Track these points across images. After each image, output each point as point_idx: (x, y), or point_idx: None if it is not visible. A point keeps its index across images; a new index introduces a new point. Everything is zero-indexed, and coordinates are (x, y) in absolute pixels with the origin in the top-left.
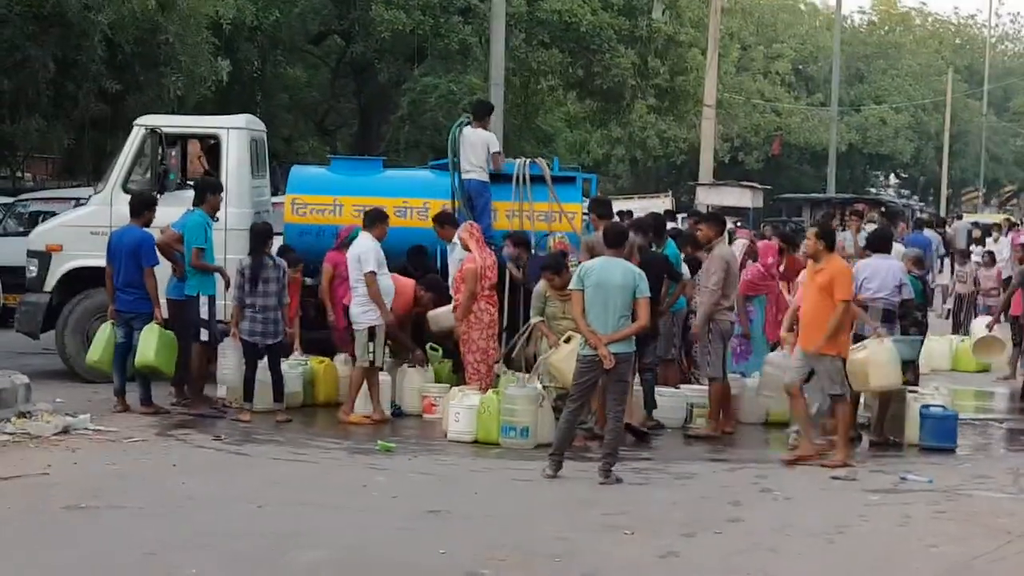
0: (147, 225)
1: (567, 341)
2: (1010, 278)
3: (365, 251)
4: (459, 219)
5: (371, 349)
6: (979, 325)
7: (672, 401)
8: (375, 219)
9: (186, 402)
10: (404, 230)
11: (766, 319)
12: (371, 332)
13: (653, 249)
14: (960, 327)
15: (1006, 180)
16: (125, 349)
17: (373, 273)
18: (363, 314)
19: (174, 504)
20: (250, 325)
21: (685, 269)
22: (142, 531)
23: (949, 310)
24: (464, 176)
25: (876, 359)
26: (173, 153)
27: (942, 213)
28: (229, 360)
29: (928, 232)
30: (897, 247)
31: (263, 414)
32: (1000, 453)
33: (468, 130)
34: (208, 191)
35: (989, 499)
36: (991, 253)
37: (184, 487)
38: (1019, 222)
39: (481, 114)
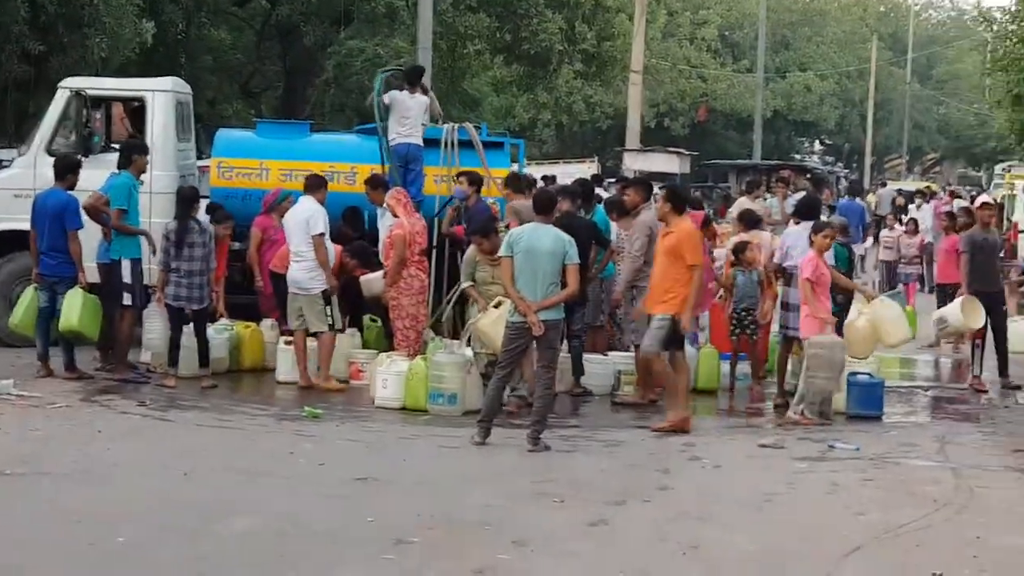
0: (71, 188)
1: (496, 307)
2: (930, 244)
3: (313, 214)
4: (390, 183)
5: (328, 313)
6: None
7: (600, 368)
8: (318, 184)
9: (110, 367)
10: (332, 195)
11: None
12: (325, 296)
13: (582, 215)
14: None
15: (929, 148)
16: (48, 314)
17: (323, 235)
18: (312, 279)
19: (100, 471)
20: (175, 290)
21: (614, 234)
22: (68, 498)
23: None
24: (404, 140)
25: (884, 316)
26: (98, 116)
27: (866, 180)
28: (154, 325)
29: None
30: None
31: (188, 380)
32: (926, 421)
33: (404, 95)
34: (134, 153)
35: (916, 467)
36: (914, 221)
37: (109, 453)
38: (941, 190)
39: (416, 79)
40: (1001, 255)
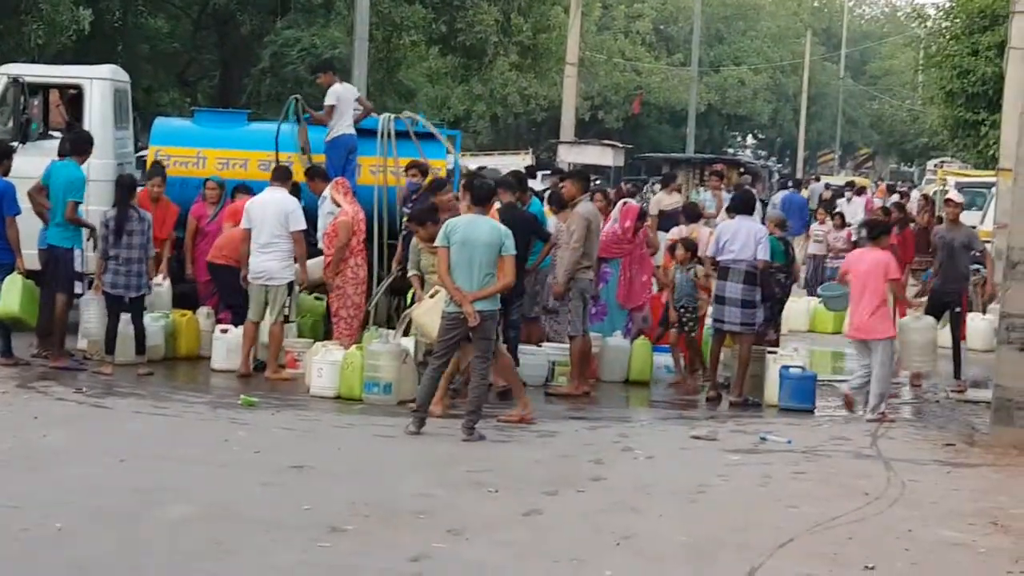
0: (6, 174)
1: (432, 296)
2: (863, 239)
3: (295, 210)
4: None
5: (288, 304)
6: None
7: (534, 359)
8: (287, 175)
9: (47, 354)
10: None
11: (620, 282)
12: (291, 287)
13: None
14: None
15: (862, 143)
16: None
17: (304, 231)
18: (284, 269)
19: (36, 457)
20: (113, 277)
21: (552, 227)
22: (4, 485)
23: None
24: (348, 132)
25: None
26: (35, 103)
27: (799, 174)
28: (91, 313)
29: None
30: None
31: (125, 367)
32: (858, 414)
33: (343, 88)
34: (88, 143)
35: (848, 460)
36: (841, 215)
37: (46, 440)
38: (873, 184)
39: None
40: (978, 252)
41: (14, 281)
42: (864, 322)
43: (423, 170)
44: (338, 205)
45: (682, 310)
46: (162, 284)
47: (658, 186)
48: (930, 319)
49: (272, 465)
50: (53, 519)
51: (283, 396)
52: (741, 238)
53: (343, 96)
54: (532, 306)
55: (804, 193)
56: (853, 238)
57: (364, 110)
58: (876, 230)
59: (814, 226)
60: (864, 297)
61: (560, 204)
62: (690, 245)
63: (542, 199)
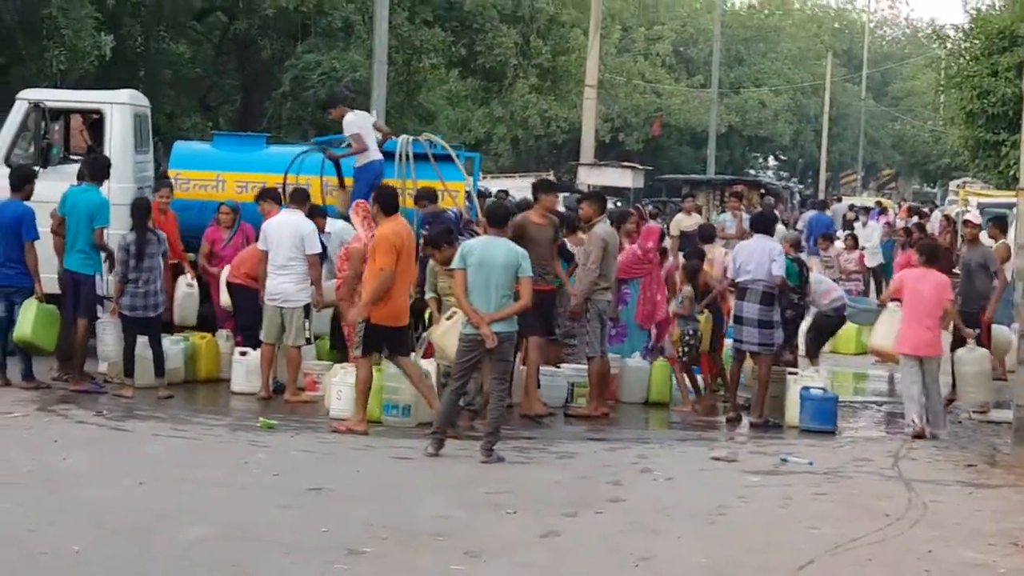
0: (27, 199)
1: (449, 318)
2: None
3: (311, 233)
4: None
5: (307, 327)
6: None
7: (553, 380)
8: (304, 197)
9: (67, 377)
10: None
11: (639, 303)
12: (307, 309)
13: None
14: None
15: (884, 164)
16: (5, 324)
17: (319, 255)
18: (300, 291)
19: (56, 480)
20: (131, 300)
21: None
22: (24, 507)
23: None
24: (377, 157)
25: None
26: (56, 127)
27: (821, 195)
28: (109, 336)
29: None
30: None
31: (145, 389)
32: (879, 435)
33: (363, 114)
34: (107, 169)
35: (869, 481)
36: (854, 236)
37: (66, 463)
38: (896, 206)
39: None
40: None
41: (30, 306)
42: (924, 339)
43: (431, 197)
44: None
45: (686, 336)
46: (193, 285)
47: None
48: (983, 351)
49: (291, 487)
50: (71, 541)
51: (302, 418)
52: (756, 258)
53: (361, 123)
54: (552, 328)
55: (827, 213)
56: (868, 262)
57: (383, 134)
58: (933, 255)
59: (821, 254)
60: (923, 316)
61: (571, 227)
62: (690, 269)
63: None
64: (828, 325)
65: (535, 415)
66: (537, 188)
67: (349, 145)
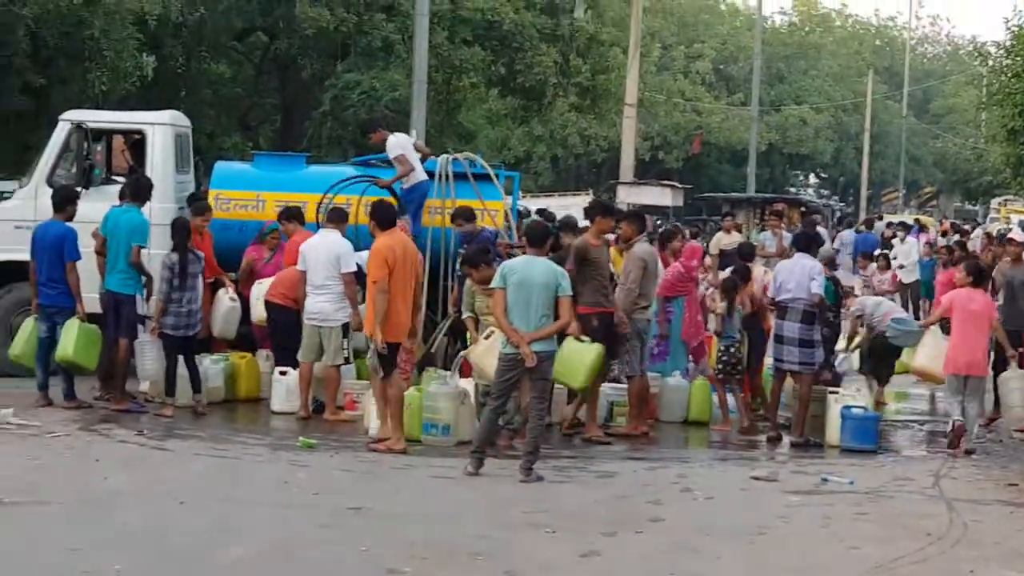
0: (70, 219)
1: (487, 337)
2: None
3: (346, 252)
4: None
5: (345, 346)
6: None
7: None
8: (342, 217)
9: (108, 397)
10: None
11: (684, 320)
12: (345, 329)
13: None
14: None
15: (925, 181)
16: (48, 344)
17: (353, 273)
18: (339, 311)
19: (98, 500)
20: (175, 320)
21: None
22: (66, 527)
23: None
24: (424, 178)
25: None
26: (98, 148)
27: (862, 214)
28: (149, 355)
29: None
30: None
31: (185, 408)
32: (920, 454)
33: (403, 137)
34: (148, 189)
35: (910, 501)
36: (885, 256)
37: (107, 482)
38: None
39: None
40: None
41: (71, 326)
42: (974, 360)
43: (467, 216)
44: None
45: (725, 352)
46: (236, 300)
47: None
48: None
49: (331, 507)
50: (113, 561)
51: (342, 438)
52: (796, 276)
53: (403, 144)
54: None
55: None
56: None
57: (423, 154)
58: (980, 275)
59: (860, 269)
60: (974, 336)
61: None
62: (728, 286)
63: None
64: (893, 347)
65: (592, 438)
66: (593, 211)
67: (387, 163)
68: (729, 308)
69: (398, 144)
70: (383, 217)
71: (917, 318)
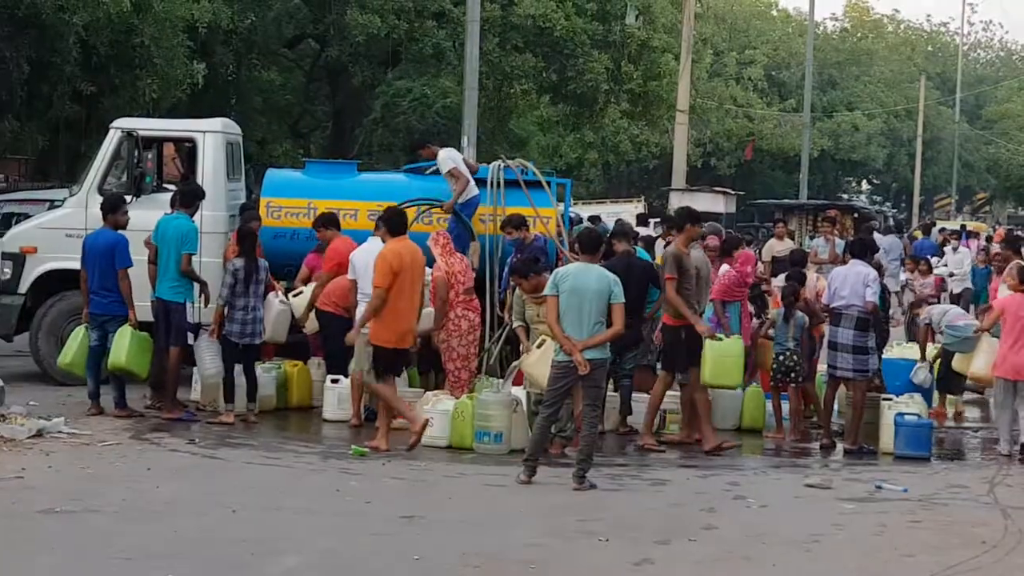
0: (120, 227)
1: (539, 346)
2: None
3: None
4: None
5: None
6: None
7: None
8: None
9: (159, 406)
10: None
11: (741, 325)
12: None
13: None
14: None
15: (978, 187)
16: (99, 352)
17: None
18: None
19: (149, 509)
20: (240, 327)
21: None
22: (118, 536)
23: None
24: (475, 193)
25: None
26: (149, 156)
27: (914, 220)
28: (208, 357)
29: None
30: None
31: (236, 416)
32: (975, 462)
33: (452, 151)
34: (198, 197)
35: (965, 508)
36: (927, 260)
37: (159, 491)
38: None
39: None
40: None
41: (123, 333)
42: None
43: (516, 224)
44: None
45: (777, 360)
46: (286, 302)
47: None
48: None
49: (383, 515)
50: (165, 570)
51: (394, 446)
52: (851, 283)
53: (455, 157)
54: (646, 354)
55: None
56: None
57: (471, 168)
58: None
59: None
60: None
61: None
62: (787, 292)
63: (652, 247)
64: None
65: (646, 446)
66: (683, 218)
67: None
68: (787, 315)
69: (449, 158)
70: (393, 224)
71: None
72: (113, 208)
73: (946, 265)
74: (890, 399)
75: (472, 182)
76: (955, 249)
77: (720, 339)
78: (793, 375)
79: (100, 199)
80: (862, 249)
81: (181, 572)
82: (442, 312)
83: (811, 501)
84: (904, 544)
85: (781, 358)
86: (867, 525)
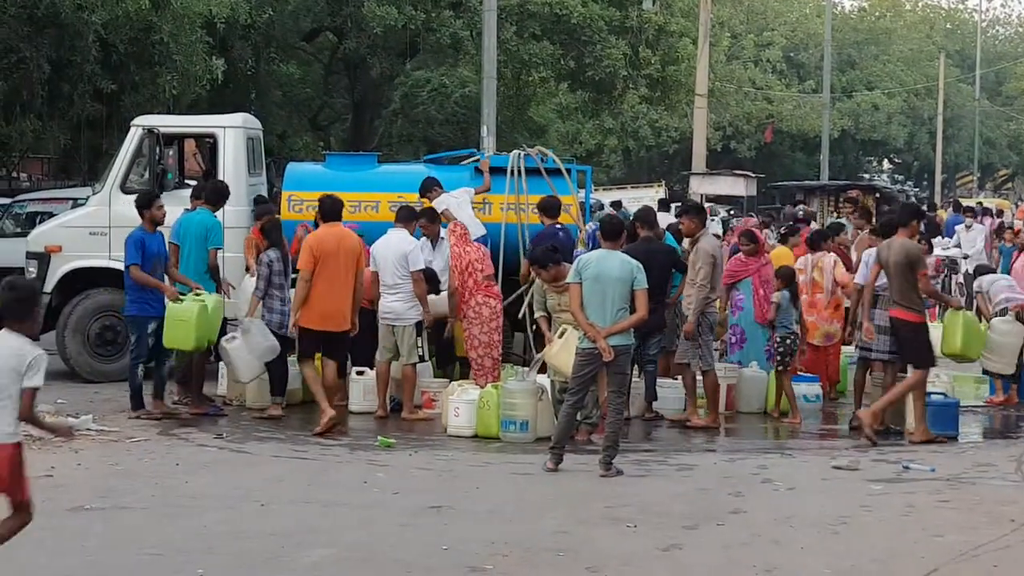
0: (158, 223)
1: (560, 336)
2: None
3: (414, 250)
4: None
5: (419, 344)
6: None
7: (671, 392)
8: (410, 216)
9: (187, 401)
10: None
11: (755, 301)
12: (418, 327)
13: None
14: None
15: (1000, 164)
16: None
17: (422, 271)
18: (410, 310)
19: (179, 504)
20: (281, 318)
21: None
22: (148, 532)
23: None
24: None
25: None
26: (171, 153)
27: (937, 198)
28: (254, 338)
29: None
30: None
31: (260, 410)
32: (1002, 440)
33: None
34: (223, 197)
35: (992, 487)
36: (929, 240)
37: (188, 486)
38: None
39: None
40: None
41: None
42: None
43: (549, 211)
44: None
45: (782, 343)
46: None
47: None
48: None
49: (411, 506)
50: (195, 565)
51: (420, 436)
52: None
53: (446, 200)
54: (672, 340)
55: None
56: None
57: (484, 186)
58: None
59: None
60: None
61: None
62: (785, 273)
63: (676, 232)
64: None
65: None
66: (909, 215)
67: (456, 160)
68: (793, 298)
69: (443, 200)
70: (325, 210)
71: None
72: (147, 204)
73: (958, 246)
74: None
75: (474, 225)
76: (968, 227)
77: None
78: (792, 357)
79: (123, 197)
80: (884, 229)
81: (212, 567)
82: (454, 301)
83: (839, 483)
84: (932, 524)
85: (787, 341)
86: (895, 506)
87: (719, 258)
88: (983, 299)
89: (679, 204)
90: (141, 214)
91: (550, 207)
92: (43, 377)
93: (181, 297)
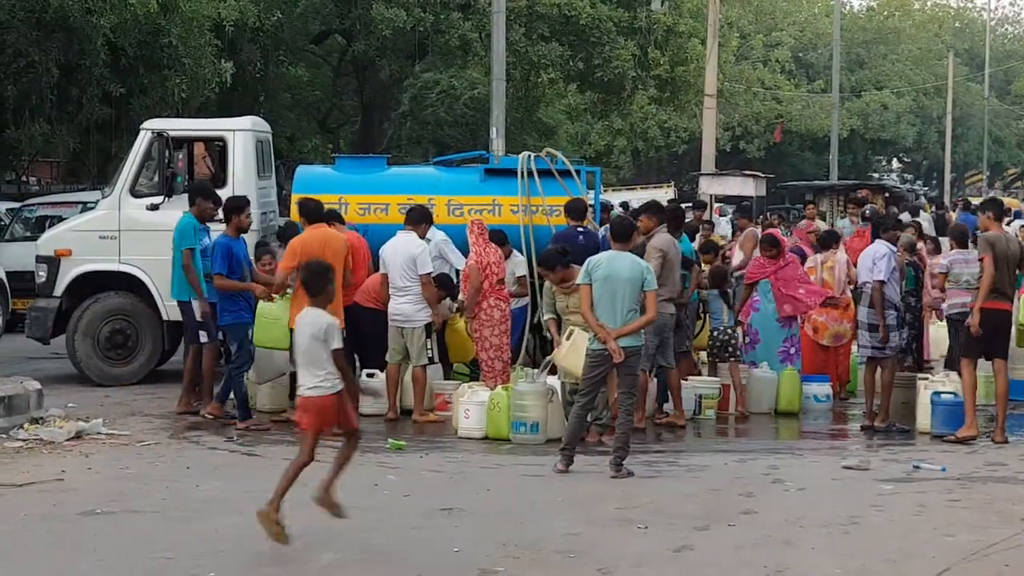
0: (207, 219)
1: (568, 338)
2: None
3: (422, 252)
4: None
5: (429, 346)
6: None
7: (683, 393)
8: (420, 218)
9: (198, 405)
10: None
11: (776, 300)
12: (427, 329)
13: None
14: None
15: (1009, 163)
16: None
17: (430, 274)
18: (419, 312)
19: (190, 507)
20: None
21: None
22: (159, 535)
23: None
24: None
25: None
26: (180, 156)
27: (946, 197)
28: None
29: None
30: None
31: (270, 414)
32: (1013, 439)
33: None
34: (199, 196)
35: (1003, 486)
36: (935, 239)
37: (199, 490)
38: None
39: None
40: None
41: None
42: None
43: (572, 212)
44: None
45: (714, 333)
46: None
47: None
48: None
49: (422, 508)
50: (207, 568)
51: (431, 439)
52: (864, 261)
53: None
54: (683, 340)
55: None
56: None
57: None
58: None
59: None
60: None
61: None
62: (717, 272)
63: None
64: None
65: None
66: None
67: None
68: (723, 295)
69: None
70: (308, 213)
71: None
72: (237, 210)
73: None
74: (926, 378)
75: (456, 258)
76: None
77: None
78: (730, 350)
79: (132, 200)
80: (873, 228)
81: (222, 570)
82: (473, 300)
83: (849, 483)
84: (943, 523)
85: (716, 333)
86: (906, 505)
87: (672, 254)
88: None
89: (689, 204)
90: (228, 219)
91: (575, 209)
92: (340, 340)
93: (273, 297)
